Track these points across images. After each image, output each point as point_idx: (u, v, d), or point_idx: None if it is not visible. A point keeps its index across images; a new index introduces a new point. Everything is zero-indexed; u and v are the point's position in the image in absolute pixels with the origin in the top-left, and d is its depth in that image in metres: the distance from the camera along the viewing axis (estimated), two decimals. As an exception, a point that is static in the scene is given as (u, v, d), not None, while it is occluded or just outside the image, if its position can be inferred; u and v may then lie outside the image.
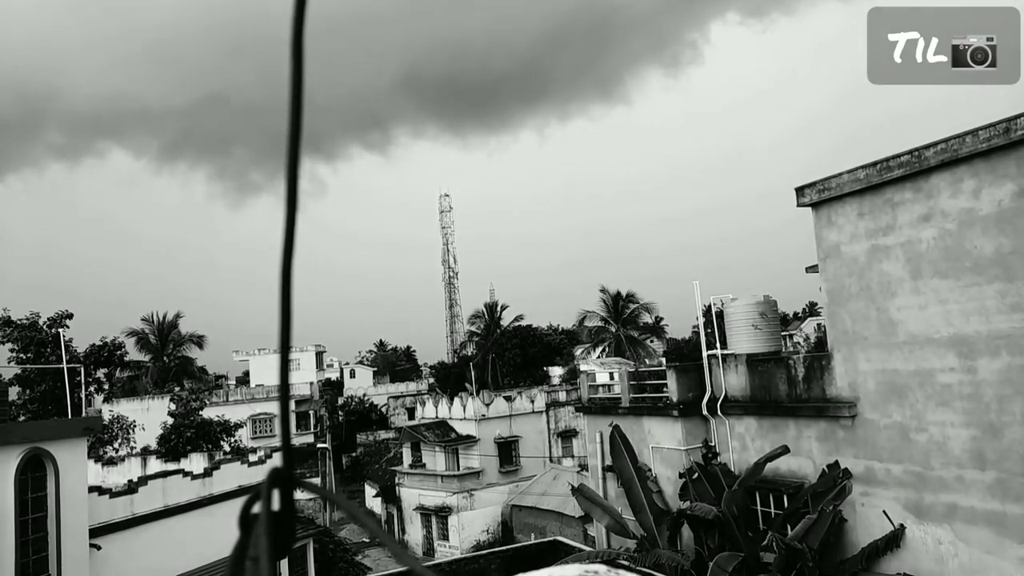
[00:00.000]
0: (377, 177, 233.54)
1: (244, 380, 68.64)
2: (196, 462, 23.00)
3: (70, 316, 32.27)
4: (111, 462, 23.71)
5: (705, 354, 15.14)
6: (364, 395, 68.42)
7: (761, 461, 12.80)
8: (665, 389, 15.87)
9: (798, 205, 13.14)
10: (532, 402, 41.42)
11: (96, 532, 15.78)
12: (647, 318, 60.31)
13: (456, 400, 41.43)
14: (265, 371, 60.40)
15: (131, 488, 17.48)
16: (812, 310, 67.72)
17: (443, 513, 37.79)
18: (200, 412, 31.20)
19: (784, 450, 12.78)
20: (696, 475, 13.98)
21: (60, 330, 29.43)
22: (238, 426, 33.60)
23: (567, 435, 41.72)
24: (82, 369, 29.12)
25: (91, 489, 16.19)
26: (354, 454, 57.81)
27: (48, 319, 32.00)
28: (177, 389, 44.16)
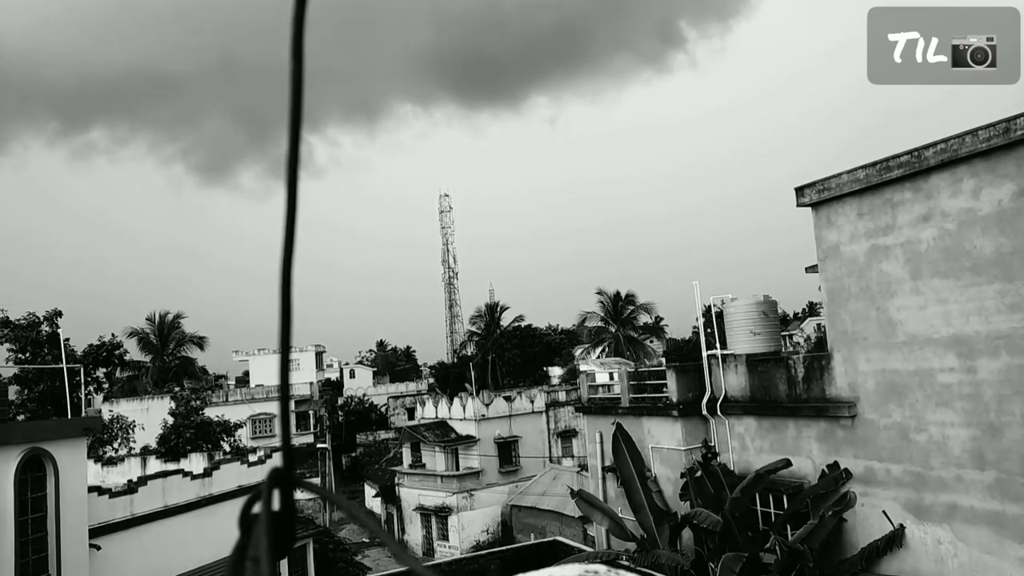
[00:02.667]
0: (378, 176, 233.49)
1: (244, 380, 68.60)
2: (196, 462, 23.00)
3: (59, 314, 32.24)
4: (111, 462, 23.69)
5: (705, 354, 15.14)
6: (364, 395, 68.47)
7: (762, 472, 12.83)
8: (665, 389, 15.87)
9: (798, 205, 13.15)
10: (532, 402, 41.42)
11: (96, 532, 15.78)
12: (647, 318, 60.34)
13: (456, 400, 41.43)
14: (265, 371, 60.36)
15: (131, 488, 17.48)
16: (812, 310, 67.68)
17: (443, 513, 37.79)
18: (201, 412, 31.18)
19: (786, 463, 12.82)
20: (698, 474, 13.95)
21: (59, 330, 29.41)
22: (238, 426, 33.57)
23: (567, 435, 41.73)
24: (81, 369, 29.11)
25: (91, 489, 16.18)
26: (354, 454, 57.85)
27: (39, 317, 31.97)
28: (177, 389, 44.12)
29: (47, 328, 31.11)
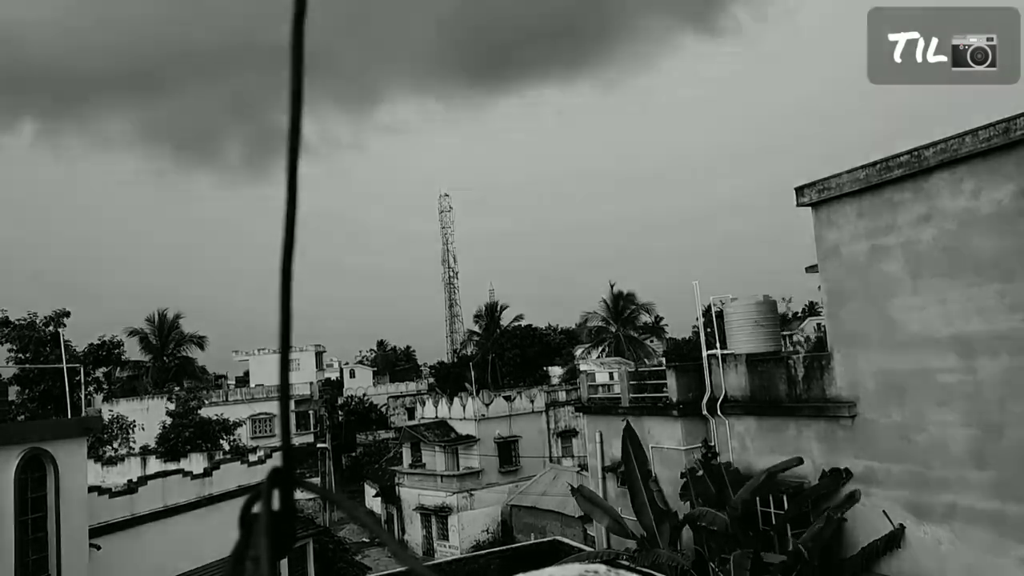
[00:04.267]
0: (378, 175, 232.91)
1: (244, 380, 68.58)
2: (196, 462, 23.00)
3: (67, 314, 32.13)
4: (111, 462, 23.71)
5: (705, 354, 15.14)
6: (364, 395, 68.42)
7: (774, 471, 12.79)
8: (665, 389, 15.88)
9: (798, 205, 13.14)
10: (532, 402, 41.43)
11: (96, 532, 15.77)
12: (647, 318, 60.33)
13: (456, 400, 41.42)
14: (265, 371, 60.37)
15: (131, 488, 17.48)
16: (812, 310, 67.67)
17: (443, 513, 37.80)
18: (199, 411, 31.19)
19: (798, 461, 12.75)
20: (700, 473, 13.92)
21: (60, 330, 29.40)
22: (237, 424, 33.56)
23: (567, 435, 41.73)
24: (82, 369, 29.11)
25: (91, 489, 16.18)
26: (354, 454, 57.82)
27: (45, 317, 31.91)
28: (176, 389, 44.15)
29: (51, 328, 31.04)
